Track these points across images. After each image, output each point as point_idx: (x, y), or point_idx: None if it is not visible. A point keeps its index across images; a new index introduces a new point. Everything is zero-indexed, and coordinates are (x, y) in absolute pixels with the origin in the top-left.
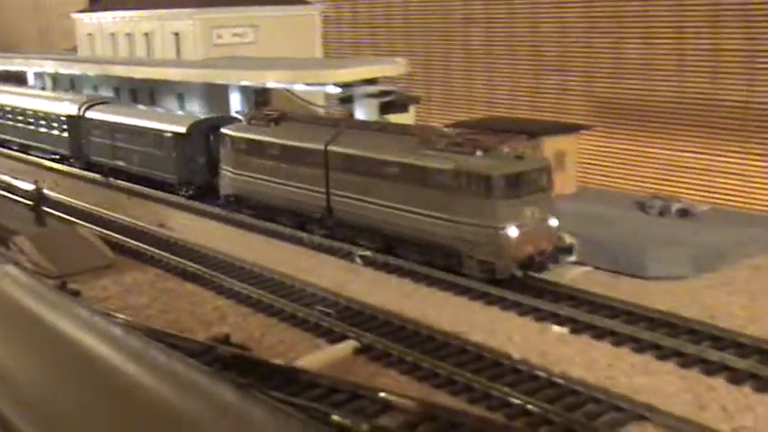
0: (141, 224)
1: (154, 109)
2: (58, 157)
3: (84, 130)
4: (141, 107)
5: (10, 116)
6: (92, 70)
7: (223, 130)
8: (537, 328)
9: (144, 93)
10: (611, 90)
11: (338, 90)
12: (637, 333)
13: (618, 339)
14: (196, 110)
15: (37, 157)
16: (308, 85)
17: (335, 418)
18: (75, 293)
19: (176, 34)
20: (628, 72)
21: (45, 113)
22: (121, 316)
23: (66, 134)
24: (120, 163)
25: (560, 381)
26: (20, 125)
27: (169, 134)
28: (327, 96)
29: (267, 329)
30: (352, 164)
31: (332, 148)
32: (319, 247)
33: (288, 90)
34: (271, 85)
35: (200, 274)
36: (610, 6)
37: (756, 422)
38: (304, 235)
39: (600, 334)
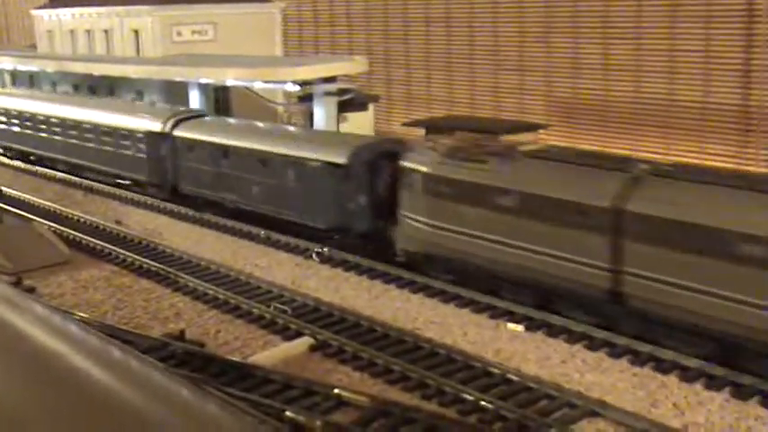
0: (97, 221)
1: (284, 127)
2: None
3: (171, 152)
4: (258, 123)
5: (58, 129)
6: (51, 67)
7: (408, 164)
8: (492, 325)
9: (103, 90)
10: (570, 90)
11: (297, 88)
12: (590, 331)
13: (572, 337)
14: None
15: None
16: (266, 82)
17: (289, 414)
18: (31, 290)
19: (136, 31)
20: (586, 72)
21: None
22: (80, 314)
23: (143, 155)
24: (231, 196)
25: (514, 377)
26: (72, 140)
27: (319, 164)
28: (286, 94)
29: (222, 326)
30: (677, 235)
31: (631, 208)
32: (275, 244)
33: (247, 88)
34: (230, 82)
35: (155, 271)
36: (569, 6)
37: (708, 418)
38: (261, 231)
39: (555, 332)
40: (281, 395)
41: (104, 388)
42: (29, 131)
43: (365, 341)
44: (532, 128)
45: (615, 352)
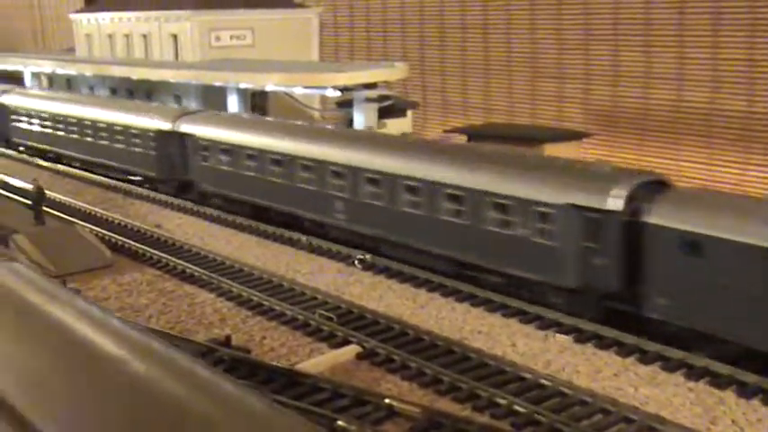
0: (138, 224)
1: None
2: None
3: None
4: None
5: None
6: (89, 70)
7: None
8: (540, 336)
9: (141, 94)
10: (609, 98)
11: (337, 93)
12: (642, 344)
13: (623, 349)
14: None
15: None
16: (307, 88)
17: (341, 423)
18: (76, 293)
19: (174, 36)
20: (626, 80)
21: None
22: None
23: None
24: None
25: (567, 390)
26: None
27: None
28: (323, 100)
29: (268, 332)
30: None
31: None
32: (316, 250)
33: (286, 93)
34: (270, 87)
35: (198, 276)
36: (609, 13)
37: None
38: (303, 237)
39: (605, 344)
40: (331, 404)
41: (169, 395)
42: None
43: (413, 350)
44: (575, 136)
45: (669, 366)
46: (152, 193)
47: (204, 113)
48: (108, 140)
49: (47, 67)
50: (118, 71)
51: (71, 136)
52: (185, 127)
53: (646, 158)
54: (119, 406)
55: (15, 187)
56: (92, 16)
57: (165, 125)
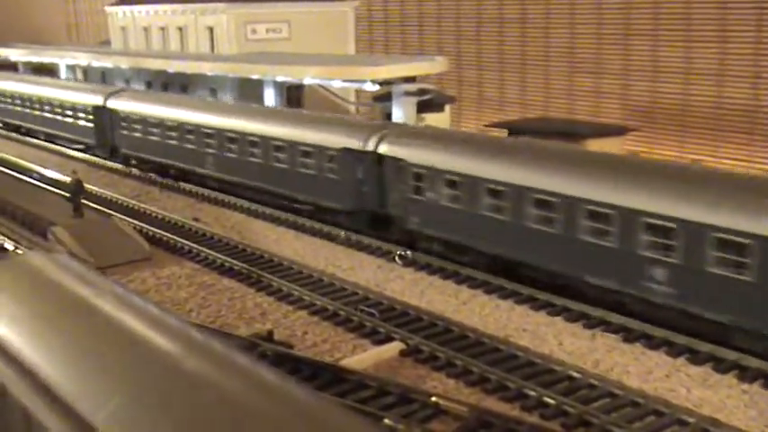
0: (176, 217)
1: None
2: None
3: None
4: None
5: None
6: (125, 63)
7: None
8: (587, 335)
9: (176, 86)
10: (648, 93)
11: (376, 87)
12: (693, 344)
13: (673, 349)
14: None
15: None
16: (346, 81)
17: (387, 421)
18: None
19: (210, 29)
20: (666, 75)
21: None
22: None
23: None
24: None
25: (618, 391)
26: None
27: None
28: (358, 93)
29: (309, 327)
30: None
31: None
32: (355, 245)
33: (321, 86)
34: (308, 81)
35: (238, 270)
36: (649, 8)
37: None
38: (341, 232)
39: (654, 344)
40: (377, 401)
41: (227, 392)
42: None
43: (458, 348)
44: (618, 131)
45: (721, 367)
46: (189, 186)
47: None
48: (293, 164)
49: (82, 59)
50: (154, 64)
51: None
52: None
53: (685, 155)
54: (177, 403)
55: (53, 179)
56: (127, 9)
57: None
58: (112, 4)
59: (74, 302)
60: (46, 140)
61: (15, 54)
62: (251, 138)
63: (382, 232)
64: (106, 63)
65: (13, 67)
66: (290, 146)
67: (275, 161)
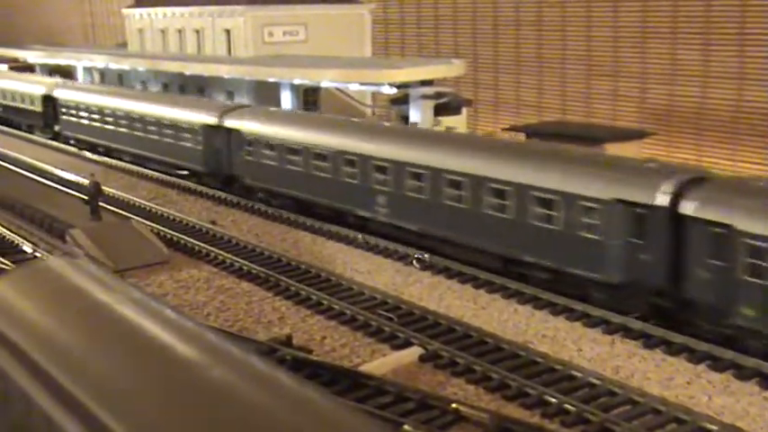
0: (193, 220)
1: None
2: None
3: None
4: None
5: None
6: (142, 65)
7: None
8: (607, 340)
9: (193, 89)
10: (666, 96)
11: (393, 90)
12: (714, 350)
13: (694, 356)
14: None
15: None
16: (363, 84)
17: (407, 427)
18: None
19: (228, 31)
20: (683, 78)
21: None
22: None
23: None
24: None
25: (639, 398)
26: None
27: None
28: (374, 96)
29: (328, 332)
30: None
31: None
32: (373, 248)
33: (339, 89)
34: (325, 84)
35: (256, 273)
36: (667, 10)
37: None
38: (359, 235)
39: (675, 350)
40: (397, 407)
41: (247, 399)
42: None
43: (477, 353)
44: (638, 135)
45: (743, 374)
46: (205, 189)
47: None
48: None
49: (99, 62)
50: (171, 66)
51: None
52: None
53: (703, 158)
54: (199, 411)
55: (71, 182)
56: (144, 11)
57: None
58: (129, 7)
59: (95, 308)
60: (133, 162)
61: (32, 56)
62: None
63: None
64: (123, 65)
65: (30, 69)
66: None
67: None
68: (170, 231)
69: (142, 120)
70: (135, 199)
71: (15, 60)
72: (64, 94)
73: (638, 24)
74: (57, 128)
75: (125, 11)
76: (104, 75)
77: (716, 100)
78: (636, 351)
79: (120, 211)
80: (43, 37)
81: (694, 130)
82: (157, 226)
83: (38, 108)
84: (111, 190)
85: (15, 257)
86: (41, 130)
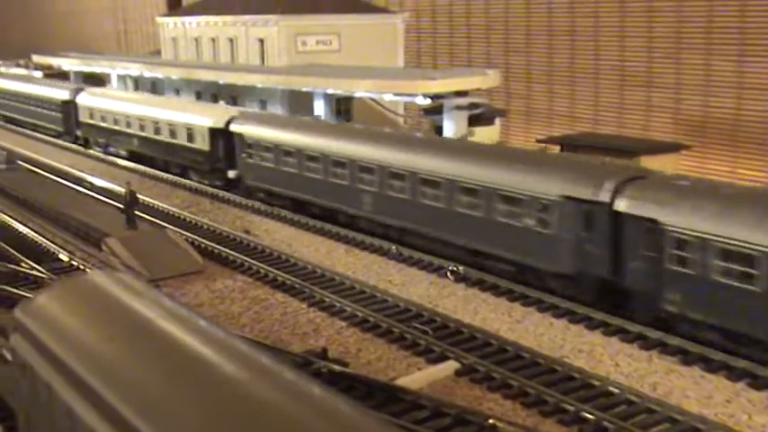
0: (227, 230)
1: None
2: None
3: None
4: None
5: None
6: (176, 74)
7: None
8: (644, 356)
9: (226, 97)
10: (701, 108)
11: (428, 101)
12: (754, 368)
13: (733, 373)
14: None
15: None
16: (397, 95)
17: None
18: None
19: (261, 40)
20: (718, 89)
21: None
22: None
23: None
24: None
25: (678, 416)
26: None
27: None
28: (407, 106)
29: (363, 345)
30: None
31: None
32: (407, 260)
33: (372, 99)
34: (359, 94)
35: (290, 284)
36: (702, 21)
37: None
38: (392, 247)
39: (713, 367)
40: (433, 422)
41: (282, 412)
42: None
43: (513, 368)
44: (675, 148)
45: None
46: (239, 198)
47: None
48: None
49: (134, 69)
50: (205, 75)
51: None
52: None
53: (738, 171)
54: (239, 426)
55: (108, 190)
56: (178, 20)
57: None
58: (164, 15)
59: (137, 322)
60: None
61: (67, 63)
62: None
63: None
64: (157, 74)
65: (64, 77)
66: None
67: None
68: (204, 240)
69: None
70: (169, 207)
71: (50, 68)
72: (247, 127)
73: (672, 34)
74: (232, 173)
75: (159, 19)
76: (138, 82)
77: (751, 111)
78: (674, 368)
79: (154, 220)
80: (77, 44)
81: (729, 142)
82: (191, 235)
83: (203, 146)
84: (145, 198)
85: (52, 266)
86: (205, 176)
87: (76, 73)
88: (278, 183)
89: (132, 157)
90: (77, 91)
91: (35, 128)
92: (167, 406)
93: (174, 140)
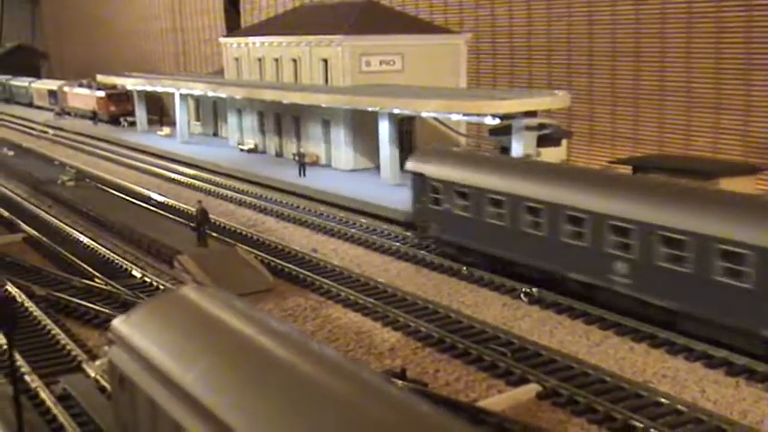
0: (295, 248)
1: None
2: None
3: None
4: None
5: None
6: (239, 94)
7: None
8: (731, 382)
9: (288, 118)
10: None
11: (496, 121)
12: None
13: None
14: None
15: None
16: (466, 115)
17: None
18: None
19: (325, 60)
20: None
21: None
22: None
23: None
24: None
25: None
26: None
27: None
28: (469, 126)
29: (441, 365)
30: None
31: None
32: (478, 281)
33: (436, 118)
34: (425, 114)
35: (362, 304)
36: None
37: None
38: (463, 268)
39: None
40: None
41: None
42: None
43: (597, 392)
44: (751, 170)
45: None
46: (305, 216)
47: None
48: None
49: (197, 89)
50: (269, 95)
51: None
52: None
53: None
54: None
55: (178, 208)
56: (242, 40)
57: None
58: (227, 36)
59: (233, 334)
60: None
61: (130, 83)
62: None
63: None
64: (221, 93)
65: (126, 96)
66: None
67: None
68: (273, 259)
69: None
70: (236, 225)
71: (114, 87)
72: (443, 171)
73: (741, 55)
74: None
75: (222, 39)
76: (200, 102)
77: None
78: (763, 395)
79: (222, 237)
80: (138, 65)
81: None
82: (260, 253)
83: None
84: (212, 216)
85: (126, 281)
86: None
87: (140, 93)
88: (477, 238)
89: None
90: None
91: None
92: (278, 423)
93: None
